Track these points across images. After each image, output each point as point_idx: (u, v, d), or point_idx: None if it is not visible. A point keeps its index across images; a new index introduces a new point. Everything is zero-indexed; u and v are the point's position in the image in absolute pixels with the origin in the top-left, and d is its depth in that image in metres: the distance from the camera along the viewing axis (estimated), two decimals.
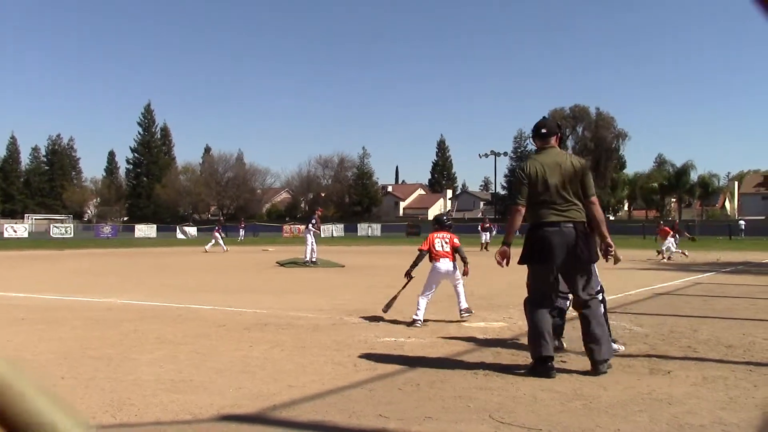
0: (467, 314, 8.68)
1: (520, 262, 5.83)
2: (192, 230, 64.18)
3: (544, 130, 5.95)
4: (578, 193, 5.74)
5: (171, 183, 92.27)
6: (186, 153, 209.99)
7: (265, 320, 8.50)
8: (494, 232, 39.02)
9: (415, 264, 8.72)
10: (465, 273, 8.69)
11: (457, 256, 8.66)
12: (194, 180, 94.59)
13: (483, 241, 34.46)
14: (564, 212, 5.67)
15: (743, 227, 58.28)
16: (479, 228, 36.48)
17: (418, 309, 8.26)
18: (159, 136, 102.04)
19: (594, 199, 5.81)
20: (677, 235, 25.28)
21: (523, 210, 5.81)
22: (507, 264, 5.88)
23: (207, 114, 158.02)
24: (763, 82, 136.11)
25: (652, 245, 34.15)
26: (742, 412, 4.37)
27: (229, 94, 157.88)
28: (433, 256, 8.69)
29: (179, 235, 60.45)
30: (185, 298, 11.01)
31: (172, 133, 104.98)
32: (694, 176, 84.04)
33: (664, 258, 24.10)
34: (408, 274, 8.71)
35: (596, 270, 6.59)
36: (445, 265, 8.59)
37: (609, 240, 5.79)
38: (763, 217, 74.75)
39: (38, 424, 0.36)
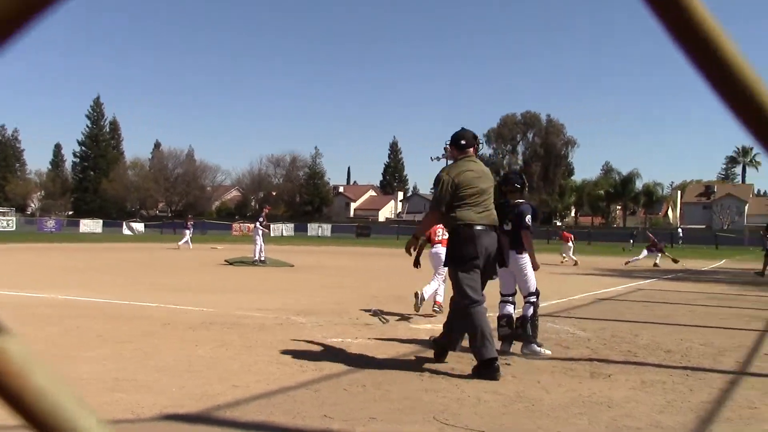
0: (439, 310, 9.12)
1: (451, 264, 5.98)
2: (139, 226, 63.18)
3: (463, 141, 6.24)
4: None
5: (119, 178, 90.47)
6: (135, 148, 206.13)
7: (211, 319, 8.41)
8: None
9: (419, 252, 8.44)
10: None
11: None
12: (143, 175, 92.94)
13: None
14: (490, 216, 6.06)
15: (681, 235, 59.71)
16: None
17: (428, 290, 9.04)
18: (108, 130, 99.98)
19: None
20: (654, 249, 25.20)
21: (439, 214, 6.08)
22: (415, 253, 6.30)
23: (158, 109, 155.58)
24: (706, 96, 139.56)
25: (597, 251, 34.81)
26: (679, 415, 4.49)
27: (180, 89, 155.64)
28: (432, 243, 9.66)
29: (126, 231, 59.44)
30: (130, 296, 10.82)
31: (121, 127, 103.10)
32: (639, 184, 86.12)
33: (566, 261, 24.84)
34: (417, 263, 8.23)
35: (532, 273, 6.79)
36: (442, 251, 8.80)
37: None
38: (703, 226, 76.84)
39: (58, 419, 0.36)
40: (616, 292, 13.95)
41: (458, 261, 5.91)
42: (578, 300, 12.06)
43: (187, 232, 33.29)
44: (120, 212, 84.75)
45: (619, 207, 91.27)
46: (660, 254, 24.90)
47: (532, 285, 6.85)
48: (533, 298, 6.79)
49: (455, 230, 5.99)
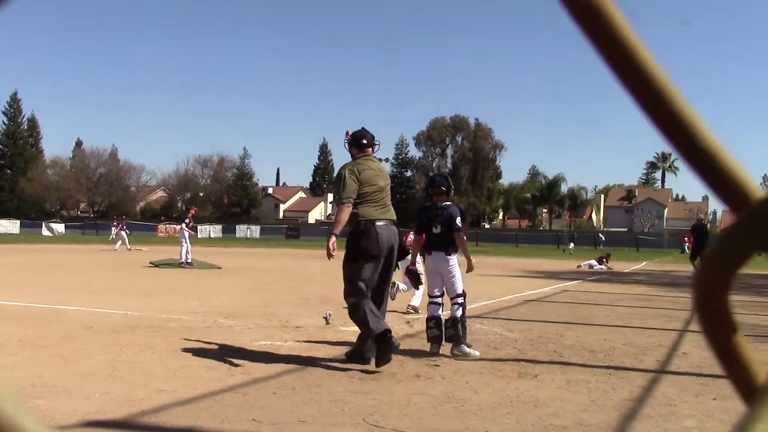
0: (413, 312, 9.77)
1: (350, 258, 6.12)
2: (59, 227, 61.31)
3: (364, 141, 6.48)
4: None
5: (37, 177, 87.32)
6: (55, 146, 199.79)
7: (135, 322, 8.21)
8: None
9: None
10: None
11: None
12: (63, 175, 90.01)
13: None
14: (390, 212, 6.35)
15: (603, 239, 61.25)
16: None
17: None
18: (26, 127, 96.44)
19: None
20: (604, 263, 25.45)
21: (350, 209, 6.17)
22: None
23: (79, 106, 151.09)
24: (626, 102, 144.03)
25: (524, 253, 35.48)
26: (602, 413, 4.61)
27: (103, 86, 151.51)
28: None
29: (45, 232, 57.63)
30: (50, 299, 10.46)
31: (40, 125, 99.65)
32: (564, 188, 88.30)
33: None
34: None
35: (460, 274, 6.88)
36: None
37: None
38: (625, 229, 79.22)
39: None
40: (543, 294, 14.24)
41: (359, 256, 6.08)
42: (506, 301, 12.26)
43: (124, 234, 32.53)
44: (39, 213, 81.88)
45: (545, 210, 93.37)
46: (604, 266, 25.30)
47: (459, 287, 6.92)
48: (461, 299, 6.87)
49: (358, 226, 6.15)
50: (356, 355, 6.19)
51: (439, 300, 6.97)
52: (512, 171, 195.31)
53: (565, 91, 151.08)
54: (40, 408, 4.35)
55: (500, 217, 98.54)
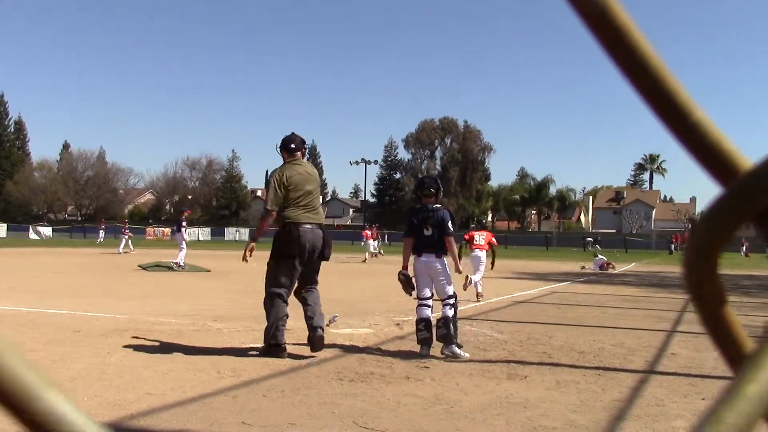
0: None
1: (273, 257, 6.59)
2: (47, 230, 60.96)
3: (293, 146, 6.84)
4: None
5: (24, 180, 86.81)
6: (42, 149, 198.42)
7: (124, 326, 8.17)
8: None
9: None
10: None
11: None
12: (50, 178, 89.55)
13: (372, 251, 31.95)
14: (317, 215, 6.70)
15: (592, 240, 61.26)
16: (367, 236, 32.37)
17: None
18: (12, 130, 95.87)
19: None
20: (606, 268, 25.39)
21: (274, 213, 6.67)
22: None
23: (66, 109, 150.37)
24: (614, 104, 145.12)
25: (513, 255, 35.55)
26: (591, 414, 4.62)
27: (90, 88, 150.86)
28: (471, 248, 12.95)
29: (32, 236, 57.25)
30: (38, 302, 10.39)
31: (27, 127, 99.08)
32: (553, 190, 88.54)
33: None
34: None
35: (450, 277, 6.90)
36: (481, 254, 12.91)
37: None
38: (614, 231, 79.57)
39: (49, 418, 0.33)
40: (532, 295, 14.27)
41: (280, 255, 6.54)
42: (495, 303, 12.28)
43: (125, 237, 32.78)
44: (26, 216, 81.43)
45: (534, 212, 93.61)
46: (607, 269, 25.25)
47: (450, 289, 6.96)
48: (452, 300, 6.90)
49: (283, 227, 6.58)
50: (269, 350, 6.49)
51: (429, 302, 6.97)
52: (501, 173, 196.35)
53: (554, 93, 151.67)
54: None
55: (489, 218, 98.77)
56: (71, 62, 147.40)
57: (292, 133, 6.99)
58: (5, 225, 61.47)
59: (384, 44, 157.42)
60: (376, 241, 34.56)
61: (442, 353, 6.66)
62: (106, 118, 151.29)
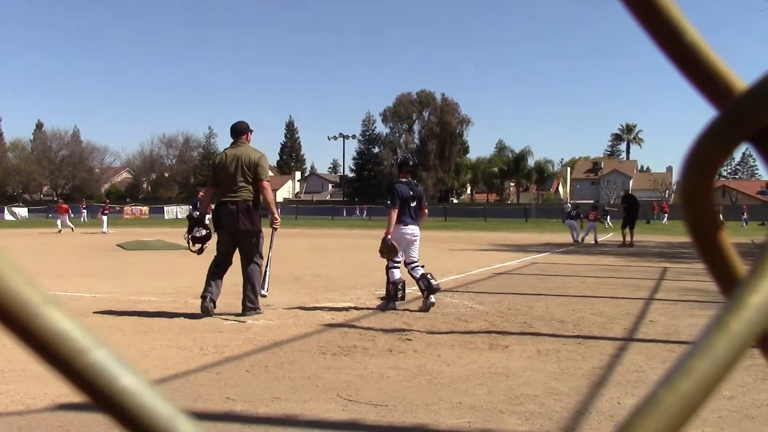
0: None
1: (215, 231, 7.63)
2: (22, 211, 60.24)
3: (236, 131, 7.69)
4: (251, 179, 7.44)
5: None
6: (15, 128, 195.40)
7: (104, 305, 8.13)
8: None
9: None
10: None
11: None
12: (24, 158, 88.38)
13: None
14: (234, 194, 7.39)
15: (569, 210, 61.59)
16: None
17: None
18: None
19: (265, 183, 7.50)
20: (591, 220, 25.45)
21: (212, 190, 7.69)
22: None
23: (38, 88, 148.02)
24: (592, 75, 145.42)
25: (493, 227, 35.73)
26: (572, 381, 4.68)
27: (62, 66, 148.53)
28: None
29: (8, 217, 56.53)
30: None
31: None
32: (531, 162, 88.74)
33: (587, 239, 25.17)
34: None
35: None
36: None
37: (276, 215, 7.65)
38: (592, 201, 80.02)
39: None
40: (512, 267, 14.36)
41: (216, 228, 7.62)
42: (476, 275, 12.35)
43: (104, 217, 32.62)
44: (1, 197, 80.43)
45: (513, 184, 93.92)
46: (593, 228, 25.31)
47: (417, 254, 8.07)
48: (417, 264, 7.96)
49: (215, 205, 7.59)
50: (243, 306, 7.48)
51: (400, 265, 8.04)
52: (479, 145, 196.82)
53: (530, 65, 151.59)
54: (10, 392, 4.30)
55: (468, 191, 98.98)
56: (41, 40, 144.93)
57: (239, 120, 7.80)
58: None
59: (360, 17, 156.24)
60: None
61: (428, 307, 7.73)
62: (79, 96, 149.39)
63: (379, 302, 8.47)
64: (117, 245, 20.92)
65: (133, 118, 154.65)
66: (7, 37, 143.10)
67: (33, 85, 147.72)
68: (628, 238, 22.41)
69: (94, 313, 7.58)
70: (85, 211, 49.33)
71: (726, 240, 0.40)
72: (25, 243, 23.40)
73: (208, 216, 8.00)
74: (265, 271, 7.74)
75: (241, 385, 4.53)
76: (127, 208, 62.95)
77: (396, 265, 7.96)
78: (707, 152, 0.38)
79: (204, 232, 8.01)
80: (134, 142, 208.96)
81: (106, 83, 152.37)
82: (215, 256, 7.63)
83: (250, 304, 7.39)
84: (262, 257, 7.63)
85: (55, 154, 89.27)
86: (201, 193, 22.94)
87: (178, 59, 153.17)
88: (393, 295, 7.87)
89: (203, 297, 7.31)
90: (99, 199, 76.72)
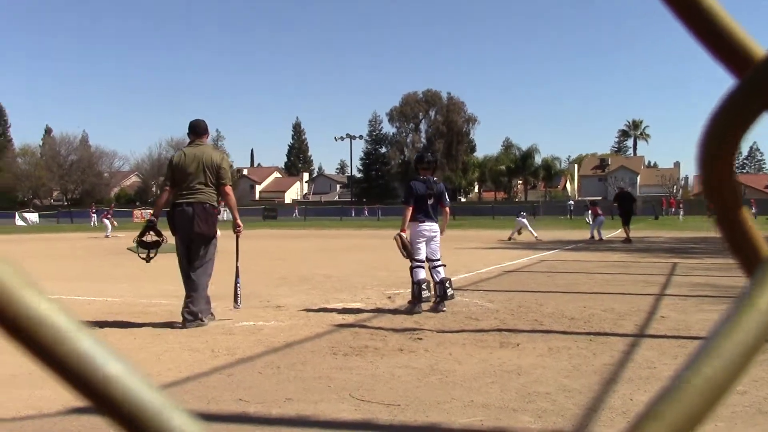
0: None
1: (172, 234, 7.15)
2: (33, 216, 60.49)
3: (195, 130, 7.42)
4: (213, 182, 7.06)
5: (7, 166, 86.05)
6: (24, 134, 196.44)
7: (116, 309, 8.17)
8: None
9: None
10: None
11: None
12: (34, 163, 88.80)
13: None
14: (190, 195, 6.94)
15: (572, 207, 61.39)
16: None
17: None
18: None
19: (227, 188, 7.20)
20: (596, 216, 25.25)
21: (169, 191, 7.14)
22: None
23: (47, 94, 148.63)
24: (599, 71, 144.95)
25: (501, 225, 35.68)
26: (583, 378, 4.68)
27: (70, 72, 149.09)
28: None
29: (19, 222, 56.79)
30: None
31: (7, 113, 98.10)
32: (538, 159, 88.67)
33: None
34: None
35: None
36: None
37: (238, 221, 7.42)
38: (600, 198, 79.81)
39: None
40: (521, 264, 14.35)
41: (172, 231, 7.11)
42: (485, 273, 12.35)
43: (106, 221, 32.91)
44: (11, 202, 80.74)
45: (520, 181, 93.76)
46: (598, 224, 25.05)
47: (438, 253, 7.96)
48: (440, 263, 7.85)
49: (170, 207, 7.15)
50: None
51: (424, 264, 7.88)
52: (486, 144, 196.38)
53: (535, 62, 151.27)
54: (21, 397, 4.33)
55: (476, 190, 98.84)
56: (50, 46, 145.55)
57: (198, 119, 7.51)
58: None
59: (366, 18, 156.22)
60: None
61: (439, 310, 7.54)
62: (88, 101, 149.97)
63: (388, 302, 8.48)
64: (127, 249, 20.92)
65: (141, 122, 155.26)
66: (15, 44, 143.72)
67: (41, 91, 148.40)
68: (629, 234, 22.43)
69: (107, 317, 7.61)
70: (94, 215, 49.45)
71: (747, 216, 0.39)
72: (33, 247, 23.50)
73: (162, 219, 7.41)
74: (236, 283, 7.54)
75: (254, 387, 4.55)
76: (136, 212, 63.08)
77: (420, 264, 7.81)
78: (727, 122, 0.37)
79: (154, 237, 7.50)
80: (142, 146, 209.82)
81: (113, 88, 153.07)
82: (179, 265, 7.19)
83: (189, 316, 6.84)
84: (212, 265, 7.30)
85: (64, 159, 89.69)
86: None
87: (185, 63, 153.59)
88: (417, 294, 7.66)
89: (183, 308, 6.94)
90: (109, 203, 77.10)
